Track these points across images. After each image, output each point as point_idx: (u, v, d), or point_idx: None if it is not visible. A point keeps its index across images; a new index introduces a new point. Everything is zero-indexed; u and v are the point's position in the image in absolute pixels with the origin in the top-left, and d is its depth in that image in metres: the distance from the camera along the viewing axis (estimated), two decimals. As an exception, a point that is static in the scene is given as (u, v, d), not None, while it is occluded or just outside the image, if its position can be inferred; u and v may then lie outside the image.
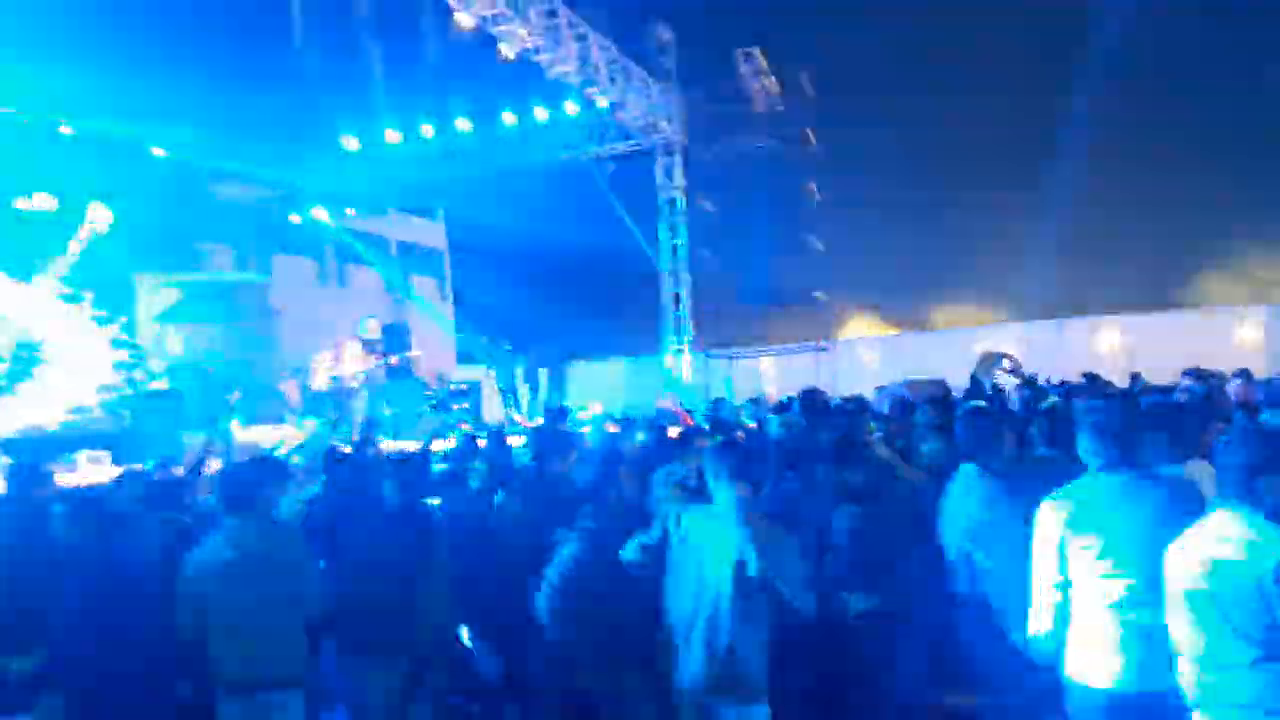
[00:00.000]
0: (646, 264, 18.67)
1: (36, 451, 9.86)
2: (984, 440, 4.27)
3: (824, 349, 18.02)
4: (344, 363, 14.40)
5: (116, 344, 15.31)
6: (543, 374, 16.50)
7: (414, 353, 16.31)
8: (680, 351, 18.25)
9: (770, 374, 18.48)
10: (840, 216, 19.54)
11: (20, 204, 14.61)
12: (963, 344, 19.33)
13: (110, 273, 15.99)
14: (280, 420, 13.88)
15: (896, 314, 22.50)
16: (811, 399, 6.80)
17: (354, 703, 4.72)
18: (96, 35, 15.11)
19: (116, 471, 9.38)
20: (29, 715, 4.46)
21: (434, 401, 15.99)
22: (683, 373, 17.85)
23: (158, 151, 17.06)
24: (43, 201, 14.70)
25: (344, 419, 13.34)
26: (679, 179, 18.61)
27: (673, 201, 18.60)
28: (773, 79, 20.14)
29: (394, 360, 16.12)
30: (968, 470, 4.25)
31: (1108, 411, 3.44)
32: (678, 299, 18.49)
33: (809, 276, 18.27)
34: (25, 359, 14.70)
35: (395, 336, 17.27)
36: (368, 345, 14.77)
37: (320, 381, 14.52)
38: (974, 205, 20.56)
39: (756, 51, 19.70)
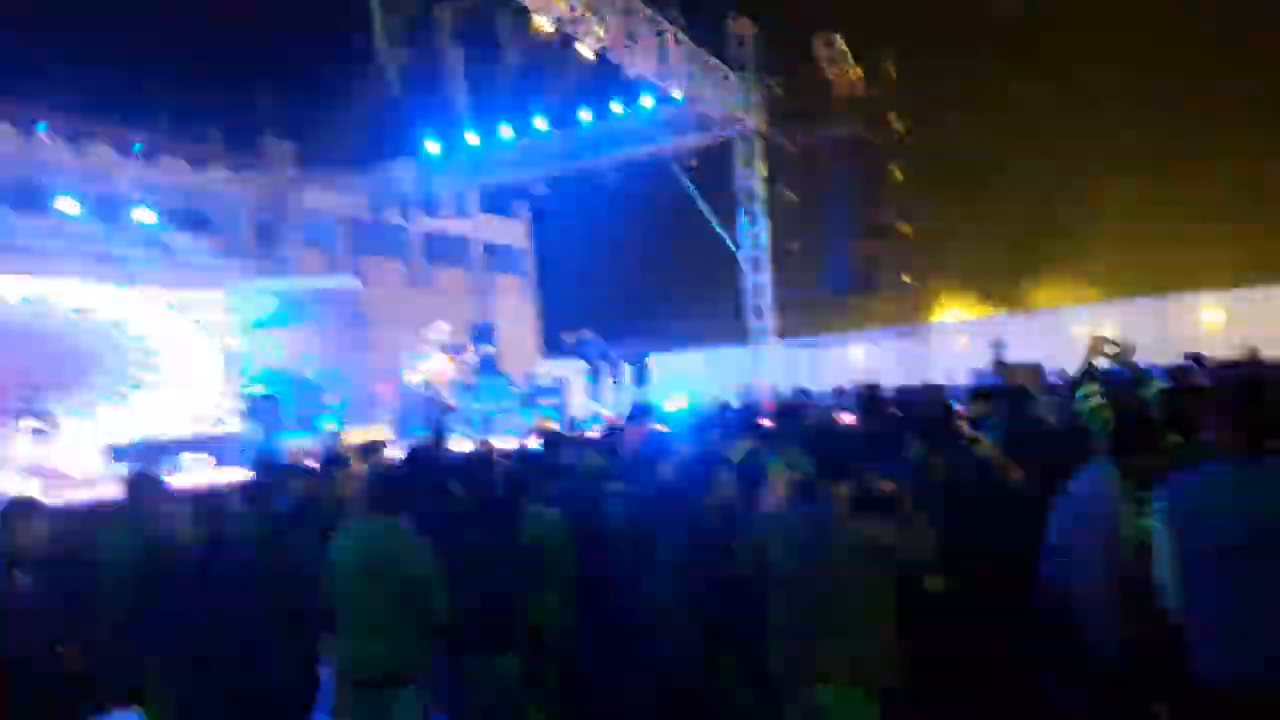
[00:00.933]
0: (728, 255, 18.58)
1: (147, 457, 10.29)
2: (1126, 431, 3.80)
3: (912, 334, 17.66)
4: (427, 363, 14.68)
5: (217, 351, 15.93)
6: (626, 368, 16.56)
7: (490, 349, 16.55)
8: (763, 341, 18.13)
9: (857, 362, 18.21)
10: (927, 199, 19.15)
11: (125, 219, 15.27)
12: (1059, 326, 18.79)
13: (208, 280, 16.62)
14: (376, 421, 14.22)
15: (989, 296, 21.99)
16: (872, 394, 6.59)
17: (469, 701, 4.79)
18: (189, 50, 15.72)
19: (220, 474, 9.78)
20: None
21: (521, 398, 16.20)
22: (766, 362, 17.72)
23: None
24: (143, 214, 15.34)
25: (439, 419, 13.60)
26: (759, 168, 18.46)
27: (752, 191, 18.46)
28: (853, 64, 19.77)
29: (479, 356, 16.40)
30: (1102, 466, 3.77)
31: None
32: (759, 288, 18.36)
33: (895, 261, 17.93)
34: (143, 368, 15.40)
35: (481, 335, 17.57)
36: (445, 348, 15.03)
37: (413, 382, 14.85)
38: (1067, 182, 19.95)
39: (835, 37, 19.37)
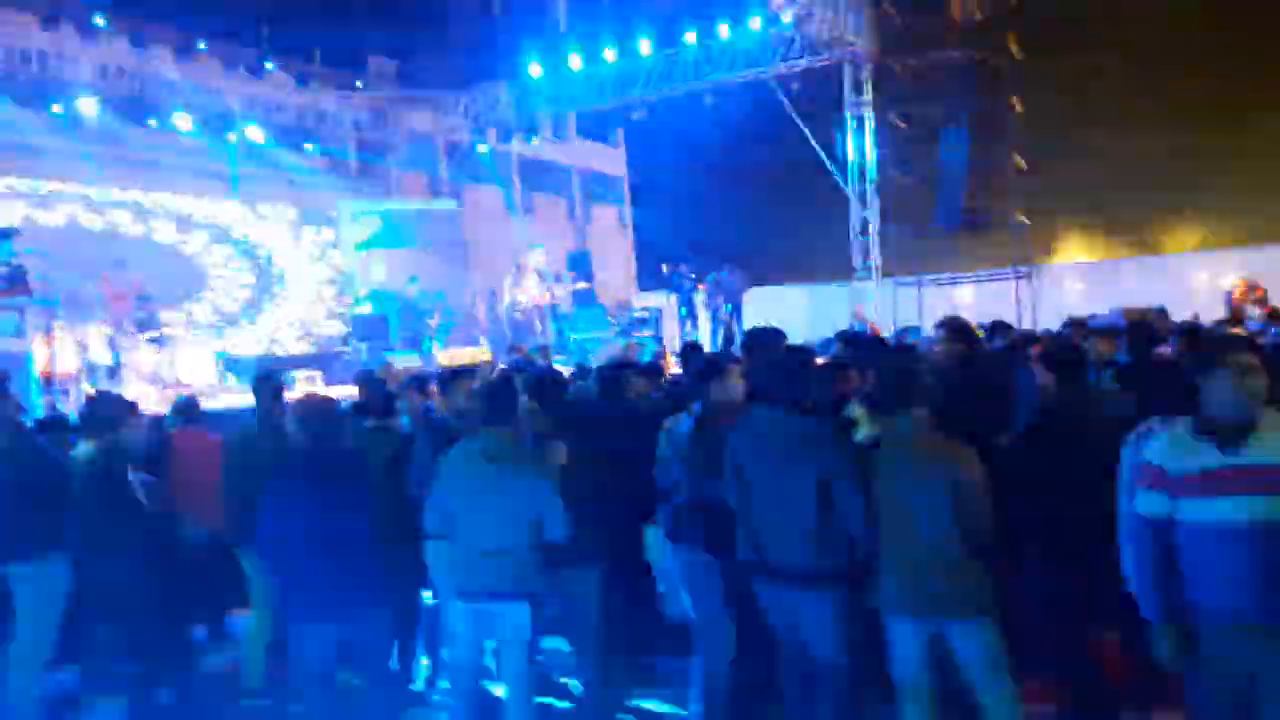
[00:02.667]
0: (832, 186, 17.98)
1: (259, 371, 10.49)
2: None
3: (1024, 275, 16.91)
4: (523, 288, 14.63)
5: (325, 270, 16.21)
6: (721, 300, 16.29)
7: (584, 282, 16.44)
8: (868, 277, 17.60)
9: (966, 302, 17.56)
10: (1046, 133, 18.14)
11: (232, 137, 15.49)
12: (1181, 270, 17.80)
13: (319, 200, 16.86)
14: (475, 342, 14.31)
15: (1106, 238, 20.96)
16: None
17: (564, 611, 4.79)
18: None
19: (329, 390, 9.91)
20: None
21: (617, 328, 16.11)
22: (871, 300, 17.21)
23: (358, 84, 17.71)
24: (254, 133, 15.54)
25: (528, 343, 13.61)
26: (868, 95, 17.72)
27: (861, 119, 17.76)
28: (971, -16, 18.75)
29: (575, 285, 16.32)
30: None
31: None
32: (865, 222, 17.77)
33: (1010, 198, 17.10)
34: (254, 284, 15.78)
35: (578, 264, 17.47)
36: (541, 274, 14.95)
37: (504, 306, 14.86)
38: (1200, 119, 18.72)
39: (953, -44, 18.36)
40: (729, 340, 14.74)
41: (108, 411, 5.20)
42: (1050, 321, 14.30)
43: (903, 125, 17.96)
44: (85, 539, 4.81)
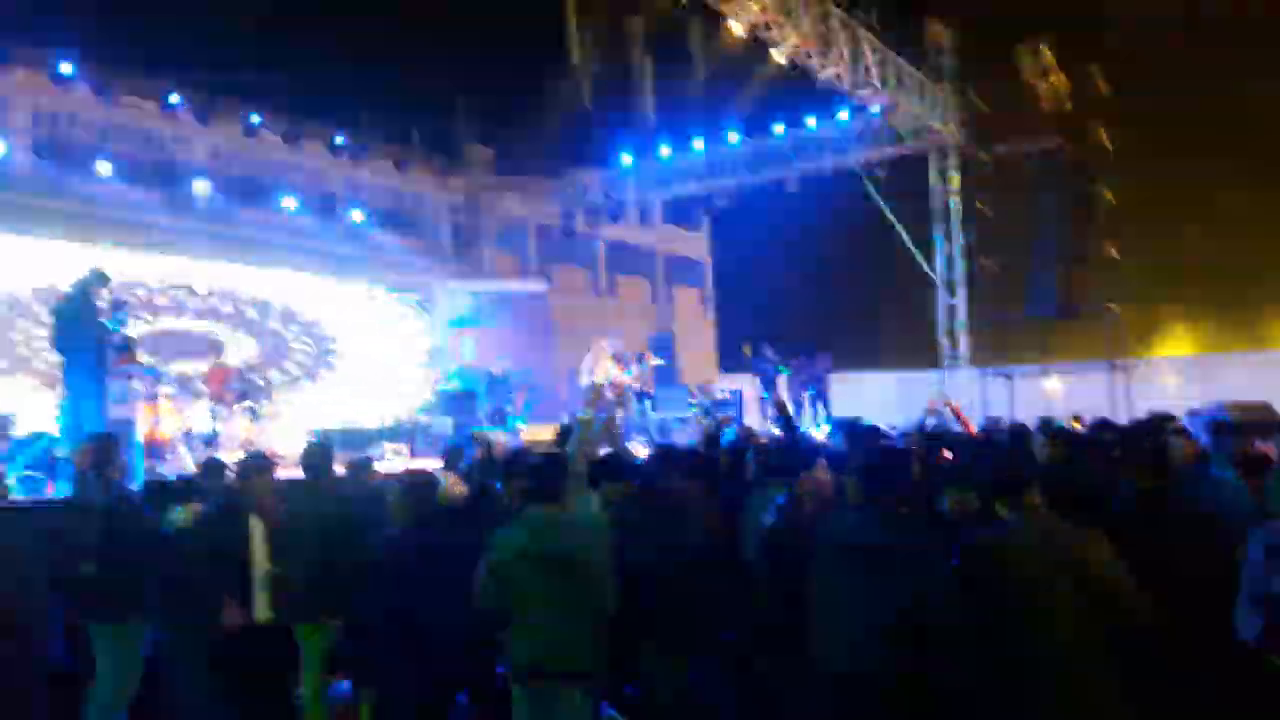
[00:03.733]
0: (919, 273, 17.87)
1: (352, 444, 10.75)
2: None
3: (1120, 368, 16.43)
4: (597, 370, 14.68)
5: (417, 347, 16.65)
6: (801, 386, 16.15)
7: (660, 361, 16.46)
8: (955, 367, 17.31)
9: (1057, 394, 17.11)
10: (1139, 221, 17.81)
11: (335, 219, 16.16)
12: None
13: (414, 281, 17.41)
14: (558, 420, 14.40)
15: (1205, 331, 20.27)
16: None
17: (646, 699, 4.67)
18: (394, 55, 16.43)
19: (415, 463, 10.07)
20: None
21: (698, 409, 16.07)
22: (958, 389, 16.89)
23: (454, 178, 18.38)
24: (356, 215, 16.20)
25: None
26: (955, 183, 17.70)
27: (948, 207, 17.71)
28: (1060, 74, 18.69)
29: (657, 366, 16.37)
30: None
31: None
32: (953, 310, 17.55)
33: (1102, 287, 16.73)
34: (349, 359, 16.27)
35: (660, 345, 17.58)
36: (619, 357, 14.97)
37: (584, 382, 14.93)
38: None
39: (1041, 46, 18.37)
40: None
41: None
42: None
43: (990, 213, 17.84)
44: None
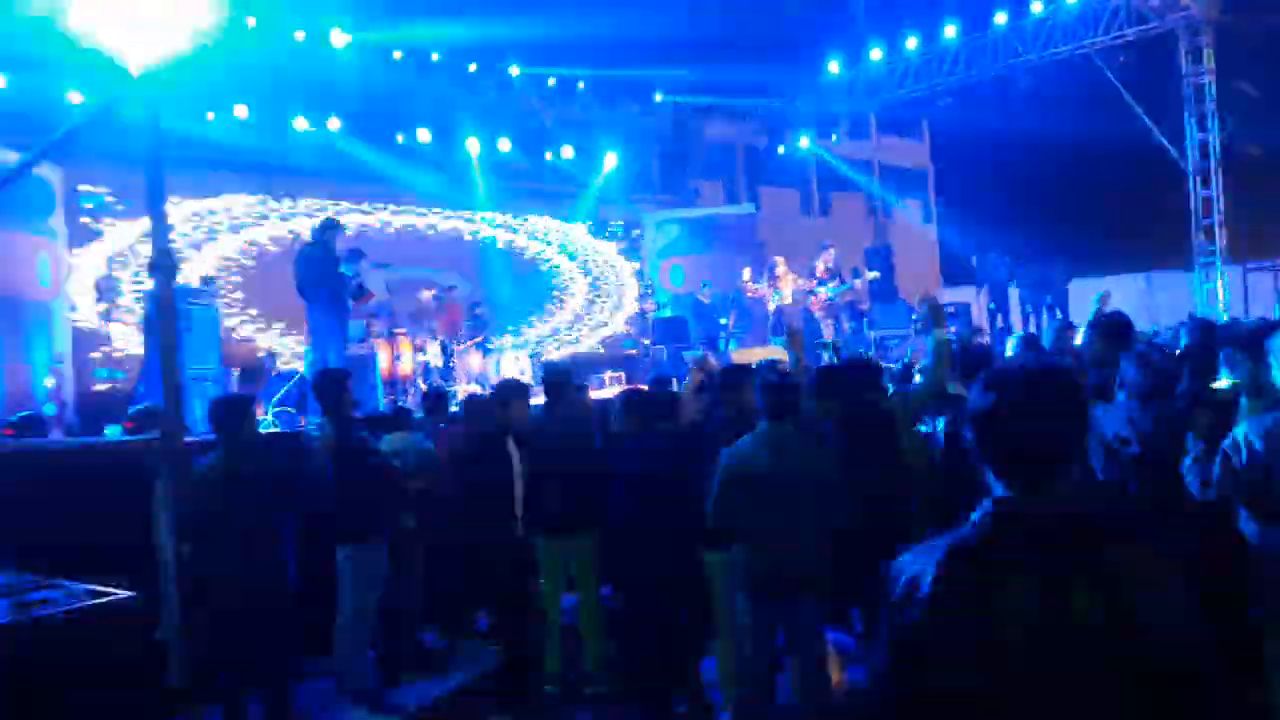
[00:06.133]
0: (1169, 165, 16.14)
1: (575, 373, 11.15)
2: None
3: None
4: (783, 289, 14.31)
5: (630, 276, 16.98)
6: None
7: (870, 275, 15.85)
8: (1212, 265, 15.62)
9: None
10: None
11: (549, 156, 16.60)
12: None
13: (622, 212, 17.71)
14: (766, 342, 14.32)
15: None
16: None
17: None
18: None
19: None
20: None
21: (919, 325, 15.47)
22: (1217, 290, 15.29)
23: (657, 97, 18.34)
24: (565, 150, 16.59)
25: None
26: (1209, 62, 15.73)
27: (1201, 89, 15.80)
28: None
29: (874, 282, 15.86)
30: None
31: None
32: (1209, 203, 15.78)
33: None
34: (570, 291, 16.91)
35: (875, 258, 16.99)
36: (826, 273, 14.51)
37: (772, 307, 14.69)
38: None
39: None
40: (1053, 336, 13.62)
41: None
42: None
43: (1254, 92, 15.80)
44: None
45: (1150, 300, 16.68)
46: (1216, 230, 15.58)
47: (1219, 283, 15.45)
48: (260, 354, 11.64)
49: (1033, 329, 14.18)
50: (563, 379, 6.09)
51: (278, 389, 9.03)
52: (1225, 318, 13.04)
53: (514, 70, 16.47)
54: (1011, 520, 1.64)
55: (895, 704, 1.68)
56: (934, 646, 1.61)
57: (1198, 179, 15.75)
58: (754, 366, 6.24)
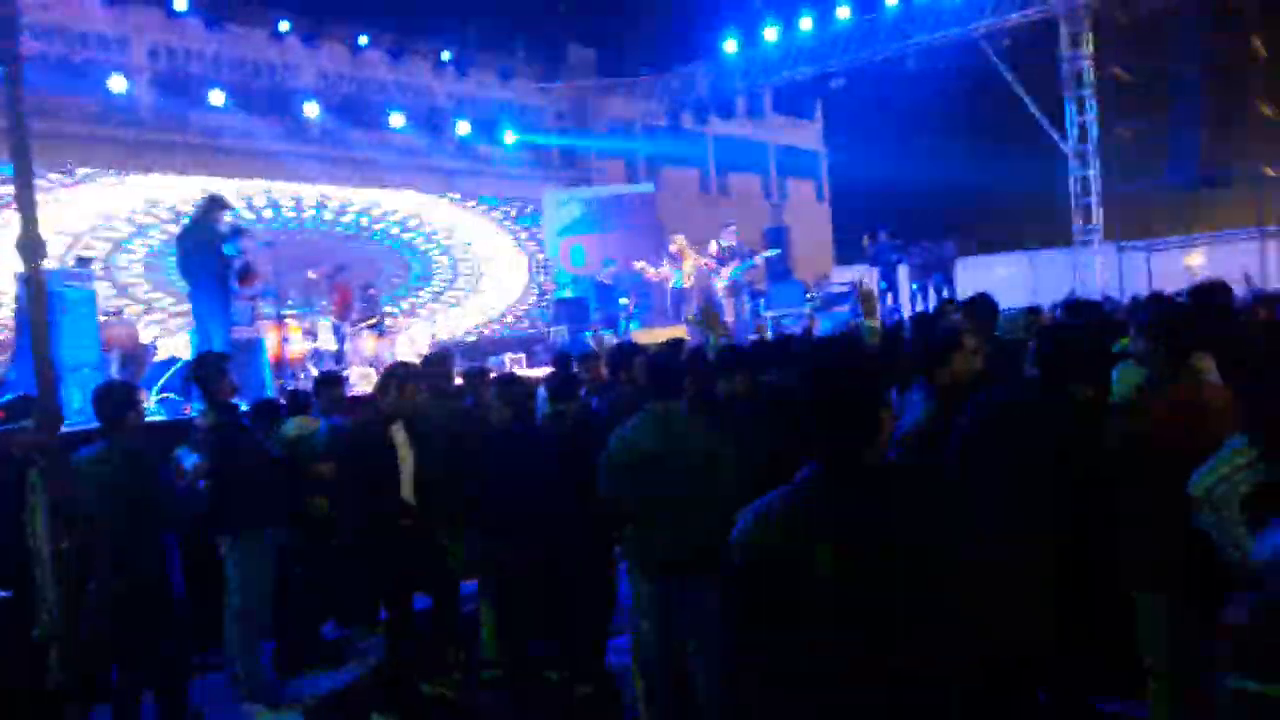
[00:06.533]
0: (1049, 147, 16.78)
1: (473, 355, 11.01)
2: None
3: (1274, 234, 15.14)
4: (684, 268, 14.43)
5: (528, 256, 16.77)
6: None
7: (772, 252, 16.09)
8: (1089, 243, 16.34)
9: (1200, 268, 15.98)
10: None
11: (443, 133, 16.27)
12: None
13: (521, 191, 17.48)
14: (669, 323, 14.38)
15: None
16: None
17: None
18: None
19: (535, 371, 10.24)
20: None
21: (815, 304, 15.76)
22: (1094, 268, 16.01)
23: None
24: (462, 128, 16.29)
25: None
26: (1088, 46, 16.41)
27: (1080, 73, 16.48)
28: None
29: (770, 262, 16.05)
30: None
31: None
32: (1086, 183, 16.48)
33: (1254, 150, 15.33)
34: (465, 273, 16.62)
35: (773, 238, 17.21)
36: (724, 252, 14.65)
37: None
38: None
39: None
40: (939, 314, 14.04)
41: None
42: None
43: (1127, 77, 16.52)
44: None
45: (1033, 278, 17.33)
46: (1094, 210, 16.29)
47: (1096, 261, 16.18)
48: (141, 338, 11.11)
49: (919, 308, 14.61)
50: (443, 366, 5.97)
51: (161, 375, 8.64)
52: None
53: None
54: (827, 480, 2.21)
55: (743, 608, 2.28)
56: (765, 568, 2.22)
57: (1076, 160, 16.42)
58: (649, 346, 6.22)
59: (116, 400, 4.59)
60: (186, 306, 11.60)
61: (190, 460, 4.96)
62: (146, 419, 5.68)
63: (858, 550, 2.13)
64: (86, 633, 3.87)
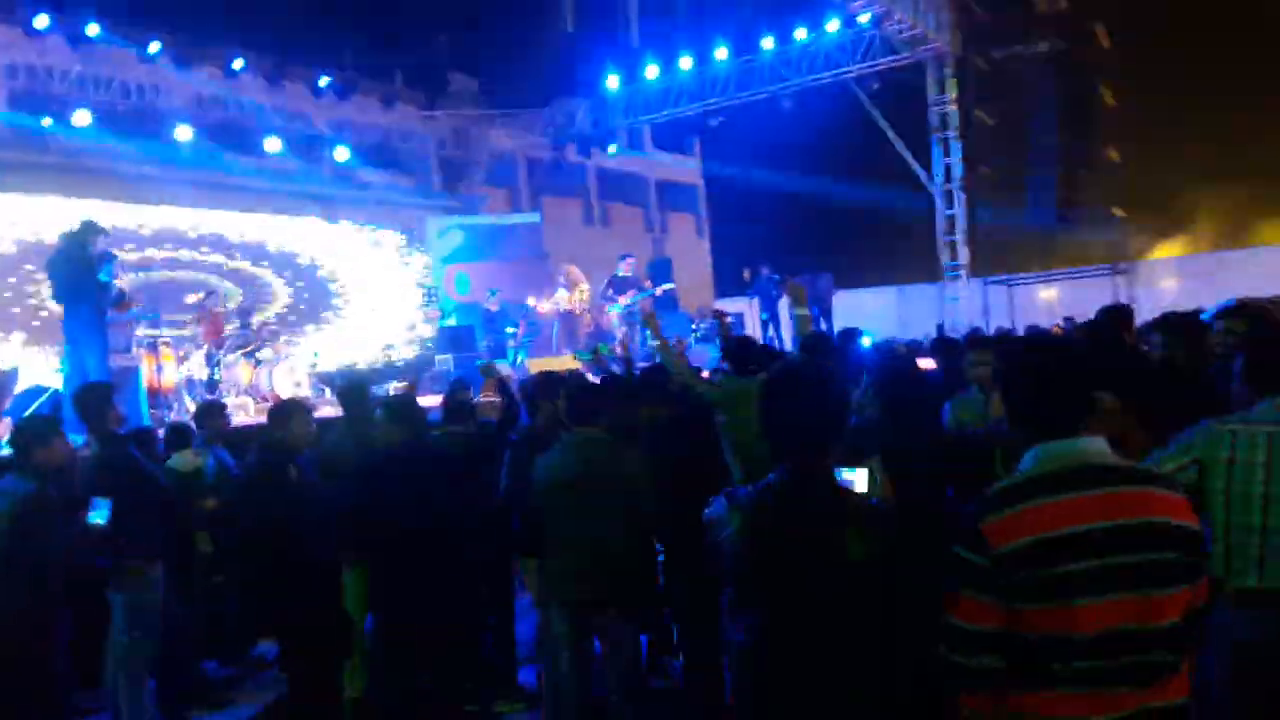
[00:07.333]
0: (917, 185, 17.62)
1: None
2: None
3: (1123, 271, 16.27)
4: (574, 298, 14.57)
5: (412, 284, 16.47)
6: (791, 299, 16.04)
7: (668, 285, 16.34)
8: (956, 278, 17.17)
9: (1058, 301, 17.01)
10: (1141, 124, 17.50)
11: (320, 159, 15.88)
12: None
13: (404, 218, 17.20)
14: (557, 353, 14.38)
15: (1210, 235, 20.05)
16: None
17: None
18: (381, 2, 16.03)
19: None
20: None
21: (699, 334, 16.02)
22: (959, 301, 16.80)
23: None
24: (341, 154, 15.94)
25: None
26: (952, 91, 17.34)
27: (945, 117, 17.38)
28: (1055, -27, 18.24)
29: (658, 293, 16.25)
30: None
31: None
32: (952, 221, 17.35)
33: (1104, 193, 16.48)
34: (346, 300, 16.19)
35: (659, 271, 17.45)
36: (618, 282, 14.82)
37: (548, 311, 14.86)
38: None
39: (1035, -56, 17.86)
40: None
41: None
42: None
43: (989, 121, 17.53)
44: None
45: (902, 311, 18.10)
46: (959, 247, 17.14)
47: (961, 295, 17.01)
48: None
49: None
50: (359, 395, 5.78)
51: (26, 405, 8.08)
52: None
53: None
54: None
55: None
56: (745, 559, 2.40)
57: (942, 199, 17.27)
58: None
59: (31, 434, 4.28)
60: (45, 332, 11.00)
61: (103, 514, 4.57)
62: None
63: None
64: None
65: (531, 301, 14.61)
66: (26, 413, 7.36)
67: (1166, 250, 21.11)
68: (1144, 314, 15.18)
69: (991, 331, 12.96)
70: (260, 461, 5.13)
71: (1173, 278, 18.03)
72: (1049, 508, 1.97)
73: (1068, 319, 11.21)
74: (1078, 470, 2.02)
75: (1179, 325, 4.57)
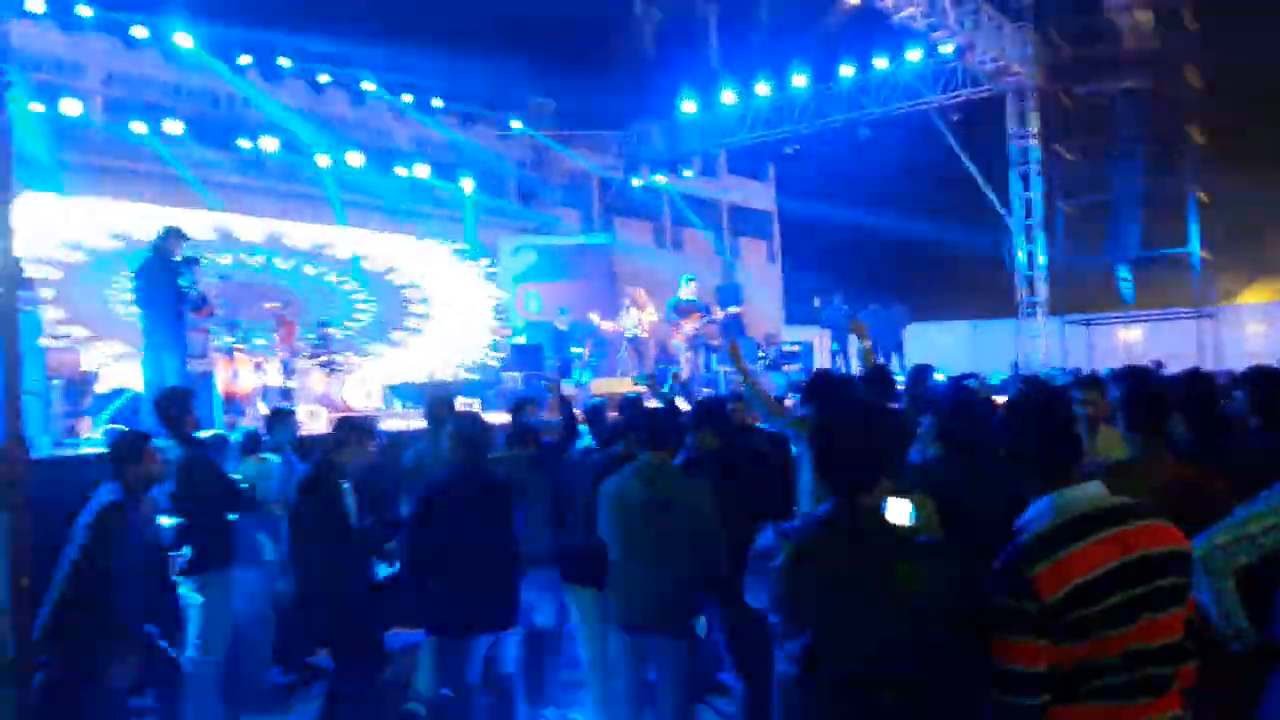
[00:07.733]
0: (996, 220, 17.30)
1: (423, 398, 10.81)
2: None
3: (1207, 315, 15.74)
4: (640, 320, 14.51)
5: (484, 302, 16.65)
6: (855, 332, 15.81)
7: (735, 309, 16.23)
8: (1032, 315, 16.78)
9: (1138, 344, 16.51)
10: (1230, 165, 16.95)
11: (400, 171, 16.16)
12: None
13: (481, 236, 17.43)
14: (623, 374, 14.37)
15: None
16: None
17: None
18: (458, 11, 16.37)
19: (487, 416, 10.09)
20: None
21: (767, 361, 15.89)
22: (1037, 340, 16.40)
23: (516, 125, 18.27)
24: (421, 170, 16.23)
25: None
26: (1034, 126, 17.03)
27: (1026, 151, 17.07)
28: (1146, 11, 17.83)
29: (725, 319, 16.16)
30: None
31: None
32: (1031, 257, 16.99)
33: (1189, 233, 15.99)
34: (419, 314, 16.45)
35: (728, 295, 17.35)
36: (684, 306, 14.75)
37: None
38: None
39: (1125, -20, 17.48)
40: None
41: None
42: (1236, 365, 13.29)
43: (1070, 157, 17.17)
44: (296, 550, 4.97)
45: (975, 347, 17.74)
46: (1037, 283, 16.77)
47: (1038, 334, 16.62)
48: (83, 366, 10.74)
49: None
50: (445, 408, 5.85)
51: (104, 405, 8.33)
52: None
53: (368, 85, 16.16)
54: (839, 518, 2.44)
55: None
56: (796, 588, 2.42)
57: (1020, 234, 16.94)
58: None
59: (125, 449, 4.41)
60: (128, 336, 11.32)
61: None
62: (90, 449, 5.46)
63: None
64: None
65: (595, 318, 14.63)
66: (104, 413, 7.58)
67: (1254, 295, 20.41)
68: (1230, 360, 14.70)
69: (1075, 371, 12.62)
70: (308, 479, 5.14)
71: (1260, 323, 17.40)
72: (1080, 552, 2.18)
73: (1156, 362, 10.86)
74: (1093, 514, 2.26)
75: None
